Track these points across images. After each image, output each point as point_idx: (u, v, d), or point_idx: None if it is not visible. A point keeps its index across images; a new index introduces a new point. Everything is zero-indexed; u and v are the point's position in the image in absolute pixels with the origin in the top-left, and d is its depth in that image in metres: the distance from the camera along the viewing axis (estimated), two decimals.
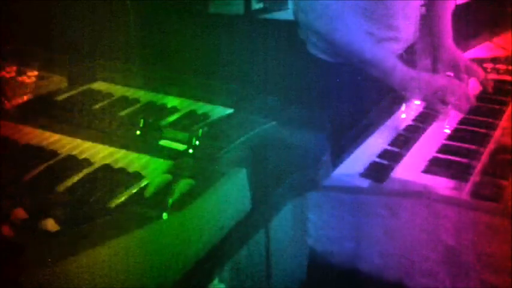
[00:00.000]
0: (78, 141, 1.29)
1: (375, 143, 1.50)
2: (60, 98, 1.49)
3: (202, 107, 1.44)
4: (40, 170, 1.14)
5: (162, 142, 1.27)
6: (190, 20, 1.54)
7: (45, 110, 1.41)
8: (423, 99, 1.68)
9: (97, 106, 1.44)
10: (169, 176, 1.07)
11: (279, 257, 1.27)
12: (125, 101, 1.49)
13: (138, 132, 1.29)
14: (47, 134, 1.32)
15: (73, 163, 1.18)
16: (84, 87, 1.56)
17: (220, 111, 1.41)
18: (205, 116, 1.40)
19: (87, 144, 1.27)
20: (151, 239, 0.91)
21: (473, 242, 1.16)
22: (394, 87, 1.66)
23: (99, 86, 1.59)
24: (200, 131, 1.24)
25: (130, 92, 1.55)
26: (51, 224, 0.88)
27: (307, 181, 1.27)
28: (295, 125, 1.33)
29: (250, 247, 1.17)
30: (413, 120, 1.63)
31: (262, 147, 1.24)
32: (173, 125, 1.35)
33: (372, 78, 1.65)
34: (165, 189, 1.02)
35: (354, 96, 1.73)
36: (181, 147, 1.24)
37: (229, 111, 1.41)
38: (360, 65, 1.66)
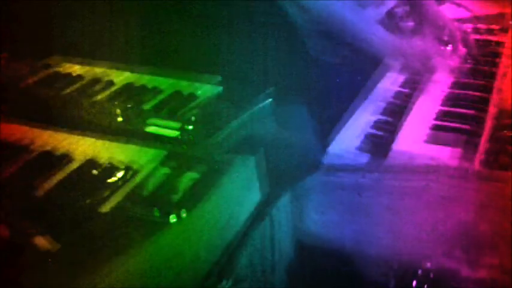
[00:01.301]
0: (50, 132, 1.12)
1: (365, 114, 1.40)
2: (23, 83, 1.30)
3: (187, 87, 1.30)
4: (12, 171, 0.98)
5: (149, 129, 1.13)
6: (190, 20, 1.43)
7: (6, 99, 1.23)
8: (407, 65, 1.61)
9: (68, 90, 1.27)
10: (167, 169, 0.94)
11: (283, 245, 1.18)
12: (98, 83, 1.32)
13: (120, 119, 1.14)
14: (13, 126, 1.14)
15: (49, 160, 1.02)
16: (50, 70, 1.37)
17: (208, 89, 1.27)
18: (192, 96, 1.25)
19: (61, 135, 1.11)
20: (160, 245, 0.78)
21: (488, 213, 1.09)
22: (376, 54, 1.59)
23: (67, 67, 1.40)
24: (193, 118, 1.10)
25: (101, 73, 1.38)
26: (48, 243, 0.75)
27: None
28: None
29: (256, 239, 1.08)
30: (401, 86, 1.55)
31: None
32: (158, 108, 1.21)
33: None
34: (166, 185, 0.89)
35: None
36: (171, 133, 1.10)
37: (218, 89, 1.27)
38: (341, 33, 1.58)
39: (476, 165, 1.18)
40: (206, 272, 0.88)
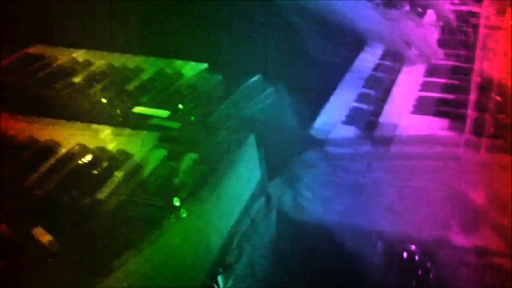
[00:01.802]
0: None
1: (347, 88, 1.40)
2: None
3: (171, 64, 1.29)
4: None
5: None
6: (190, 20, 1.44)
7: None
8: (387, 43, 1.60)
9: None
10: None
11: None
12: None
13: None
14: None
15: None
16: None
17: (193, 67, 1.25)
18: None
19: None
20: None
21: (481, 183, 1.09)
22: (360, 32, 1.58)
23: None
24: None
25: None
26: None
27: None
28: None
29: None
30: (380, 59, 1.54)
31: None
32: (144, 88, 1.19)
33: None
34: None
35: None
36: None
37: (203, 66, 1.26)
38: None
39: (468, 134, 1.17)
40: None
